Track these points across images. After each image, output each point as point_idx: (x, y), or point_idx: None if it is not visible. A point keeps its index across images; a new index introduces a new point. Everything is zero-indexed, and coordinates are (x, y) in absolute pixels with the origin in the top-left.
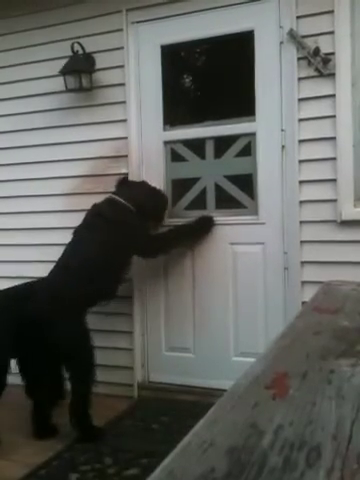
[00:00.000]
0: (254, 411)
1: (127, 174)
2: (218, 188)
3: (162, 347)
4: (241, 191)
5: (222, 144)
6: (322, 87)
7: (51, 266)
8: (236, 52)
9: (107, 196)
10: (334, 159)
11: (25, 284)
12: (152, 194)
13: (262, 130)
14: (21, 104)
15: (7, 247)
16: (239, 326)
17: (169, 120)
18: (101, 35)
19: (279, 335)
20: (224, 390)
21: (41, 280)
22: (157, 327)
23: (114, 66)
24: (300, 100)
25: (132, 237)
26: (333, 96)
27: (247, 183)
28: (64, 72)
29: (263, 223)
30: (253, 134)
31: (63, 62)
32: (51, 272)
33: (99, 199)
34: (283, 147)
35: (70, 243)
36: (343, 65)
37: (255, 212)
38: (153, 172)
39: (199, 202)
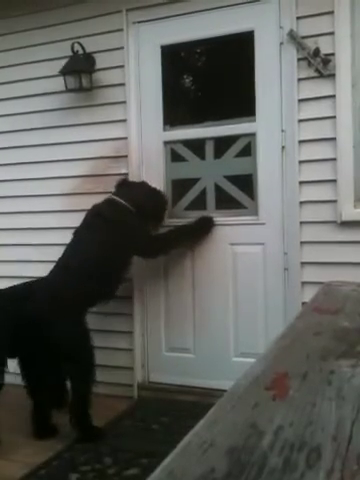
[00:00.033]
0: (254, 411)
1: (127, 174)
2: (218, 188)
3: (162, 347)
4: (241, 191)
5: (222, 144)
6: (322, 88)
7: (51, 266)
8: (236, 52)
9: (107, 197)
10: (334, 160)
11: (24, 284)
12: (152, 195)
13: (262, 130)
14: (21, 104)
15: (6, 247)
16: (239, 326)
17: (169, 120)
18: (101, 35)
19: (279, 335)
20: (224, 390)
21: (40, 280)
22: (157, 327)
23: (114, 66)
24: (300, 101)
25: (132, 237)
26: (333, 97)
27: (247, 183)
28: (64, 72)
29: (263, 223)
30: (253, 134)
31: (63, 62)
32: (51, 272)
33: (99, 199)
34: (283, 147)
35: (70, 243)
36: (343, 66)
37: (255, 212)
38: (153, 172)
39: (199, 202)
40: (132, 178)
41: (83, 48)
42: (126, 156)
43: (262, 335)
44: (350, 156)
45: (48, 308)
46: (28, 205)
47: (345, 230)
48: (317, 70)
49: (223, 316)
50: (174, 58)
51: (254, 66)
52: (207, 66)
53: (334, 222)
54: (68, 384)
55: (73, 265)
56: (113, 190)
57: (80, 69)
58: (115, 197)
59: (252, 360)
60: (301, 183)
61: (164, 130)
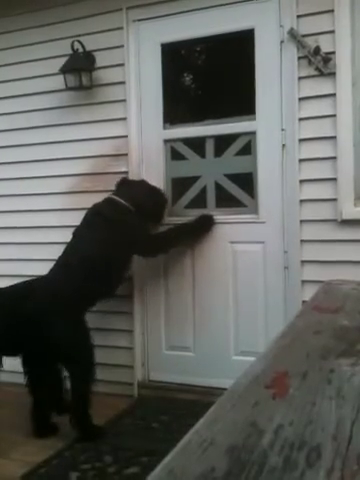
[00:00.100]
0: (254, 410)
1: (127, 173)
2: (218, 187)
3: (162, 346)
4: (241, 190)
5: (222, 143)
6: (322, 86)
7: (51, 264)
8: (236, 51)
9: (106, 196)
10: (334, 158)
11: (24, 282)
12: (151, 193)
13: (262, 129)
14: (21, 102)
15: (6, 245)
16: (239, 325)
17: (169, 118)
18: (101, 33)
19: (279, 334)
20: (224, 389)
21: (41, 278)
22: (157, 326)
23: (114, 64)
24: (300, 99)
25: (132, 236)
26: (333, 95)
27: (247, 182)
28: (64, 70)
29: (263, 222)
30: (253, 133)
31: (63, 60)
32: (51, 271)
33: (99, 197)
34: (283, 146)
35: (70, 242)
36: (343, 64)
37: (255, 211)
38: (153, 170)
39: (199, 201)
40: (132, 176)
41: (83, 46)
42: (126, 154)
43: (262, 334)
44: (350, 154)
45: (48, 307)
46: (28, 203)
47: (345, 228)
48: (317, 68)
49: (223, 314)
50: (174, 56)
51: (254, 64)
52: (207, 64)
53: (334, 220)
54: (67, 384)
55: (73, 264)
56: (113, 189)
57: (80, 67)
58: (114, 197)
59: (252, 359)
60: (301, 181)
61: (164, 128)
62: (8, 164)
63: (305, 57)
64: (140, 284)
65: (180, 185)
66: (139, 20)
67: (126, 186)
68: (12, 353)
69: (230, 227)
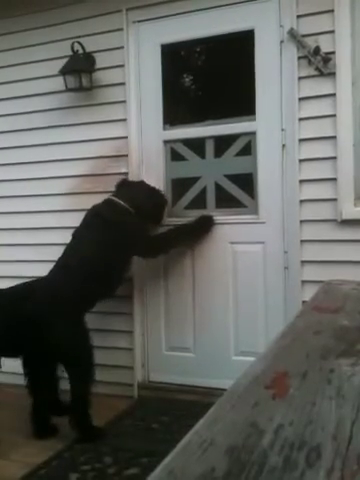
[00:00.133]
0: (254, 410)
1: (127, 174)
2: (218, 187)
3: (162, 347)
4: (241, 190)
5: (222, 143)
6: (322, 86)
7: (50, 266)
8: (236, 51)
9: (106, 198)
10: (334, 158)
11: (24, 284)
12: (151, 194)
13: (262, 129)
14: (21, 104)
15: (6, 247)
16: (239, 325)
17: (169, 119)
18: (101, 34)
19: (279, 334)
20: (224, 389)
21: (40, 280)
22: (157, 327)
23: (114, 65)
24: (300, 99)
25: (131, 237)
26: (333, 95)
27: (247, 182)
28: (64, 72)
29: (263, 222)
30: (253, 133)
31: (63, 62)
32: (51, 272)
33: (99, 199)
34: (283, 146)
35: (70, 243)
36: (343, 64)
37: (255, 211)
38: (153, 171)
39: (199, 201)
40: (132, 177)
41: (83, 48)
42: (126, 155)
43: (262, 334)
44: (350, 154)
45: (48, 308)
46: (28, 205)
47: (345, 228)
48: (317, 68)
49: (223, 315)
50: (174, 57)
51: (254, 65)
52: (207, 65)
53: (334, 220)
54: (64, 385)
55: (73, 265)
56: (113, 190)
57: (80, 68)
58: (114, 198)
59: (252, 359)
60: (301, 182)
61: (164, 129)
62: (8, 165)
63: (305, 57)
64: (140, 285)
65: (180, 186)
66: (139, 21)
67: (126, 187)
68: (12, 354)
69: (230, 227)
